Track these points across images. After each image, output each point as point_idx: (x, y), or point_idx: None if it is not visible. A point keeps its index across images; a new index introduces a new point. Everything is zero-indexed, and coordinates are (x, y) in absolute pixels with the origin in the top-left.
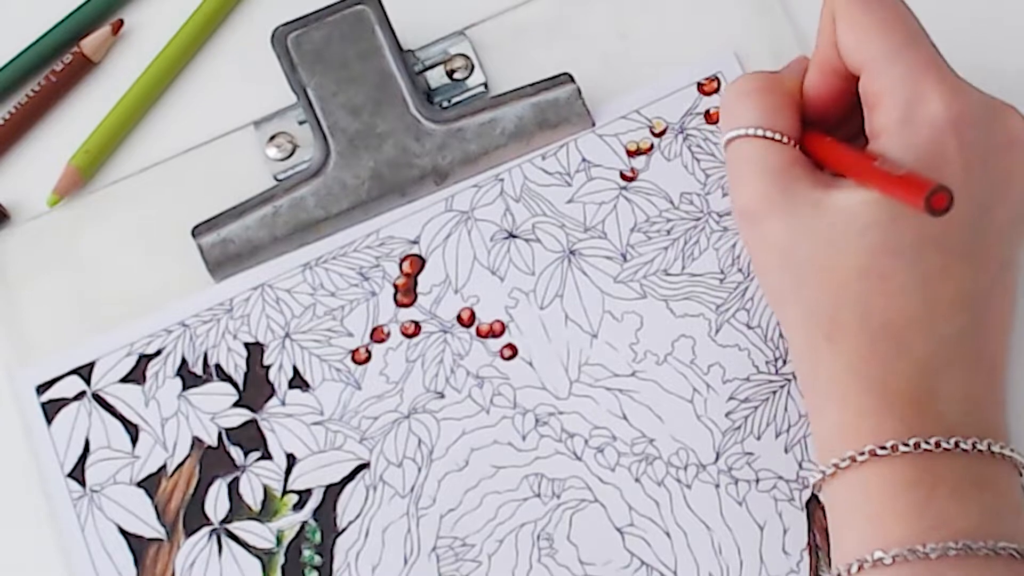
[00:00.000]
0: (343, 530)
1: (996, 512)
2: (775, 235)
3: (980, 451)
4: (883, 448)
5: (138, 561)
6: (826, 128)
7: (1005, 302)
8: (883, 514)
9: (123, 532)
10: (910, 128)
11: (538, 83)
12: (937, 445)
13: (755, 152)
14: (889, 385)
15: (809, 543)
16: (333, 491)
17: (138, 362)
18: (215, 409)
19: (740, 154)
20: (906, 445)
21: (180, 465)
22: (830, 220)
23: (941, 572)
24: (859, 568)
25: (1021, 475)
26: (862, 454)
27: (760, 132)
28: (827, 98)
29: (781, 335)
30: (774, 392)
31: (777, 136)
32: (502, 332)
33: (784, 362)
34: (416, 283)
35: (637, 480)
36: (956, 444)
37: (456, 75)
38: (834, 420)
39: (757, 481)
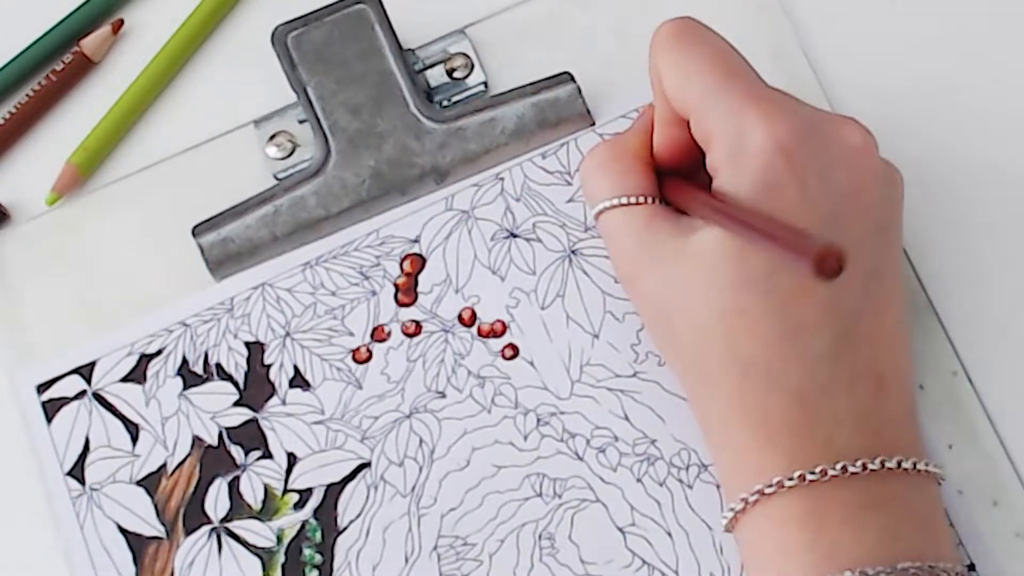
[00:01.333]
0: (344, 529)
1: (895, 532)
2: (649, 292)
3: (873, 470)
4: (769, 487)
5: (137, 559)
6: (686, 173)
7: (883, 313)
8: (779, 552)
9: (122, 530)
10: (739, 161)
11: (538, 82)
12: (823, 473)
13: (618, 220)
14: (770, 420)
15: None
16: (334, 490)
17: (139, 361)
18: (216, 408)
19: (607, 226)
20: (791, 479)
21: (180, 464)
22: (688, 265)
23: None
24: None
25: (940, 484)
26: (753, 495)
27: (617, 201)
28: (676, 149)
29: None
30: None
31: (633, 199)
32: (503, 332)
33: None
34: (417, 282)
35: (639, 480)
36: (844, 469)
37: (456, 74)
38: (726, 461)
39: None
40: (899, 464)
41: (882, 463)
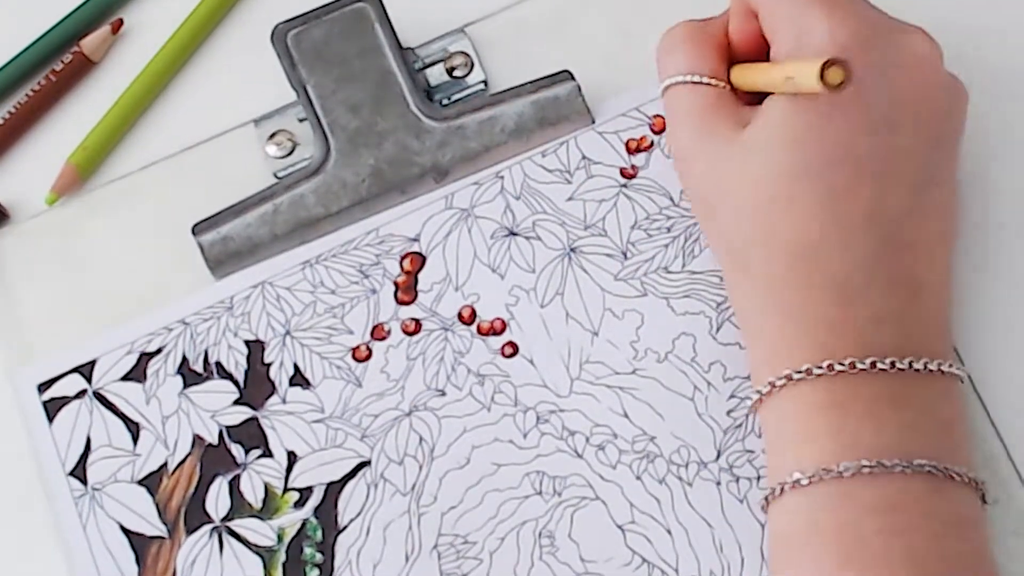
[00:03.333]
0: (344, 528)
1: (915, 429)
2: (700, 175)
3: (901, 369)
4: (799, 372)
5: (139, 559)
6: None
7: (929, 222)
8: (800, 437)
9: (124, 530)
10: (799, 57)
11: (538, 80)
12: (852, 366)
13: (685, 97)
14: (807, 310)
15: None
16: (334, 489)
17: (139, 360)
18: (216, 407)
19: (673, 101)
20: (819, 368)
21: (181, 463)
22: (740, 153)
23: (855, 490)
24: (780, 491)
25: (963, 382)
26: (780, 379)
27: (689, 78)
28: (746, 40)
29: None
30: None
31: (704, 79)
32: (503, 330)
33: None
34: (417, 281)
35: (638, 478)
36: (872, 364)
37: (456, 72)
38: (760, 348)
39: (758, 479)
40: (925, 365)
41: (910, 363)
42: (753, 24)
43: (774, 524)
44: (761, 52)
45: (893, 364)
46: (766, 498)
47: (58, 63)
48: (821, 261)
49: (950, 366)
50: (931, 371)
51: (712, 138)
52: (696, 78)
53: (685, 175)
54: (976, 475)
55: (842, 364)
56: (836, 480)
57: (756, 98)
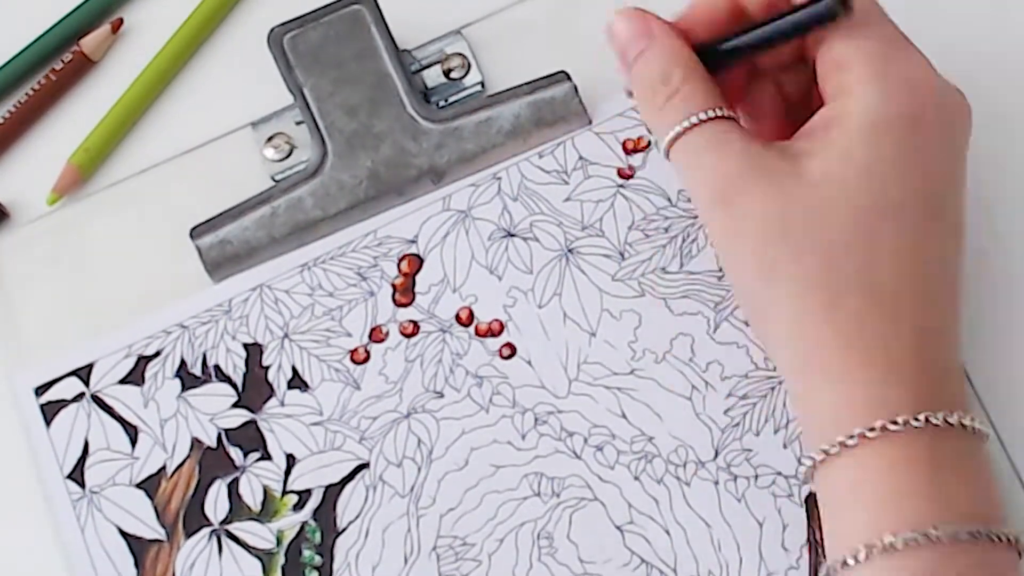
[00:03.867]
0: (343, 530)
1: (990, 493)
2: (758, 210)
3: (975, 429)
4: (894, 423)
5: (138, 562)
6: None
7: (960, 270)
8: (892, 495)
9: (123, 533)
10: (888, 86)
11: (534, 81)
12: (945, 421)
13: (705, 139)
14: (892, 353)
15: (808, 539)
16: (333, 491)
17: (137, 363)
18: (214, 410)
19: (688, 150)
20: (917, 420)
21: (180, 466)
22: (817, 187)
23: (953, 557)
24: (867, 555)
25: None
26: (872, 430)
27: (696, 119)
28: (713, 11)
29: None
30: (772, 388)
31: (723, 112)
32: (501, 331)
33: None
34: (414, 283)
35: (636, 478)
36: (959, 421)
37: (453, 74)
38: (834, 396)
39: (756, 477)
40: (972, 423)
41: (972, 420)
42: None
43: None
44: (725, 22)
45: (968, 423)
46: (843, 562)
47: (58, 63)
48: (903, 303)
49: (980, 423)
50: (977, 429)
51: (767, 171)
52: (705, 115)
53: (727, 215)
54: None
55: (935, 418)
56: (934, 545)
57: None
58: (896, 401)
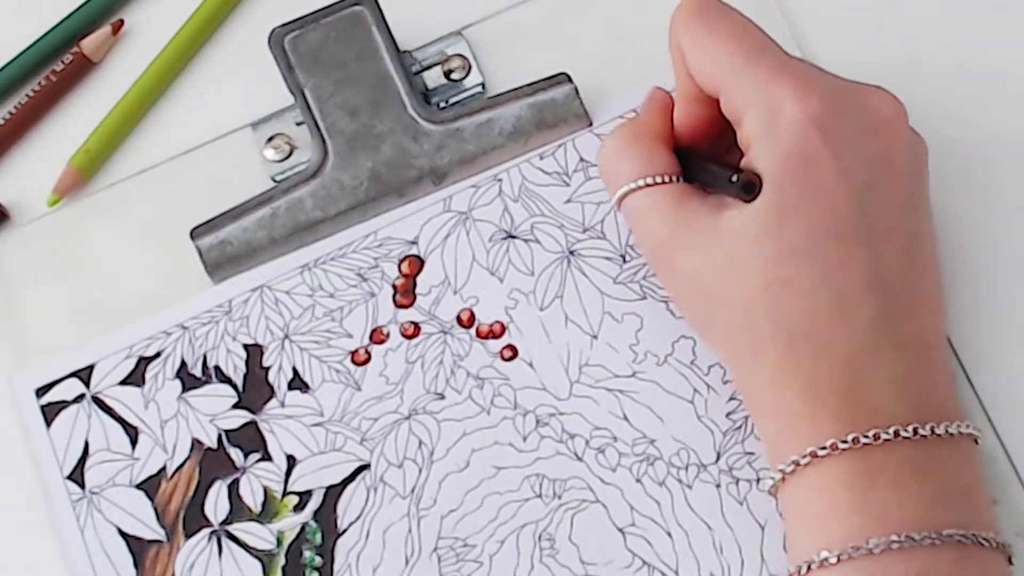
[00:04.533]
0: (344, 531)
1: (940, 498)
2: (684, 268)
3: (923, 436)
4: (823, 448)
5: (138, 563)
6: (706, 148)
7: (923, 281)
8: (826, 513)
9: (123, 534)
10: (773, 135)
11: (535, 83)
12: (876, 437)
13: (646, 201)
14: (819, 386)
15: None
16: (333, 492)
17: (137, 364)
18: (215, 411)
19: (633, 207)
20: (844, 442)
21: (180, 467)
22: (727, 241)
23: (886, 567)
24: (807, 569)
25: (977, 443)
26: (804, 456)
27: (643, 182)
28: (698, 125)
29: None
30: None
31: (660, 179)
32: (502, 333)
33: None
34: (415, 284)
35: (638, 480)
36: (896, 433)
37: (453, 75)
38: (774, 428)
39: (758, 480)
40: (946, 430)
41: (931, 429)
42: (702, 108)
43: None
44: (711, 134)
45: (916, 431)
46: None
47: (58, 63)
48: (825, 335)
49: (967, 427)
50: (951, 435)
51: (689, 233)
52: (652, 179)
53: (666, 275)
54: (1003, 539)
55: (867, 436)
56: (866, 557)
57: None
58: (826, 428)
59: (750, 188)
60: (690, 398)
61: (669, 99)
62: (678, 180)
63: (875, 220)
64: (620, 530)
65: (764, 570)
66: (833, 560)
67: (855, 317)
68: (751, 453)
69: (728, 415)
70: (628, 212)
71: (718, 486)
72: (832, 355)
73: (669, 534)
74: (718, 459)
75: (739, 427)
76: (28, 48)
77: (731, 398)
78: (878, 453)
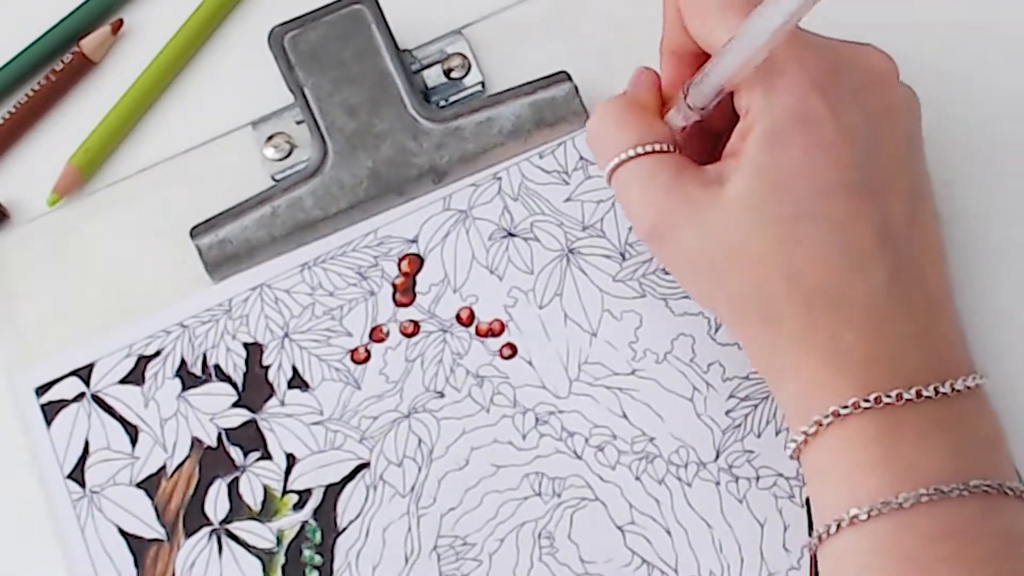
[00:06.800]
0: (343, 530)
1: (965, 451)
2: (686, 243)
3: (944, 394)
4: (845, 407)
5: (138, 562)
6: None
7: (928, 234)
8: (853, 471)
9: (123, 533)
10: (774, 98)
11: (535, 81)
12: (899, 398)
13: (643, 171)
14: (837, 346)
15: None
16: (333, 491)
17: (137, 363)
18: (214, 409)
19: (628, 178)
20: (867, 401)
21: (180, 466)
22: (731, 209)
23: (916, 520)
24: (837, 528)
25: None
26: (827, 416)
27: (643, 149)
28: (683, 82)
29: None
30: None
31: (658, 147)
32: (501, 331)
33: None
34: (415, 282)
35: (637, 478)
36: (918, 393)
37: (453, 74)
38: (793, 391)
39: (757, 479)
40: (964, 384)
41: (951, 386)
42: (695, 70)
43: (829, 563)
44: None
45: (936, 390)
46: (819, 537)
47: (58, 63)
48: (841, 294)
49: (981, 378)
50: (969, 388)
51: (693, 203)
52: (649, 147)
53: (664, 248)
54: None
55: (888, 396)
56: (896, 512)
57: (707, 155)
58: (845, 387)
59: None
60: (689, 396)
61: (657, 77)
62: (675, 151)
63: (879, 173)
64: (619, 528)
65: (763, 568)
66: (863, 517)
67: (869, 271)
68: (750, 451)
69: (727, 413)
70: (622, 184)
71: (717, 484)
72: (850, 313)
73: (668, 532)
74: (717, 457)
75: (739, 425)
76: (28, 48)
77: (730, 396)
78: (900, 410)
